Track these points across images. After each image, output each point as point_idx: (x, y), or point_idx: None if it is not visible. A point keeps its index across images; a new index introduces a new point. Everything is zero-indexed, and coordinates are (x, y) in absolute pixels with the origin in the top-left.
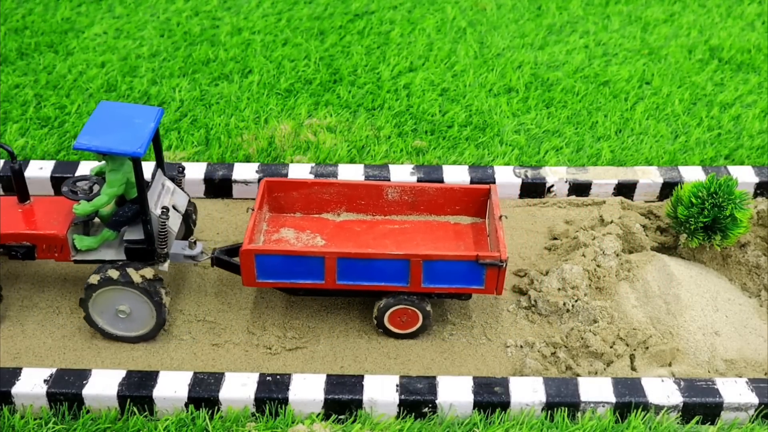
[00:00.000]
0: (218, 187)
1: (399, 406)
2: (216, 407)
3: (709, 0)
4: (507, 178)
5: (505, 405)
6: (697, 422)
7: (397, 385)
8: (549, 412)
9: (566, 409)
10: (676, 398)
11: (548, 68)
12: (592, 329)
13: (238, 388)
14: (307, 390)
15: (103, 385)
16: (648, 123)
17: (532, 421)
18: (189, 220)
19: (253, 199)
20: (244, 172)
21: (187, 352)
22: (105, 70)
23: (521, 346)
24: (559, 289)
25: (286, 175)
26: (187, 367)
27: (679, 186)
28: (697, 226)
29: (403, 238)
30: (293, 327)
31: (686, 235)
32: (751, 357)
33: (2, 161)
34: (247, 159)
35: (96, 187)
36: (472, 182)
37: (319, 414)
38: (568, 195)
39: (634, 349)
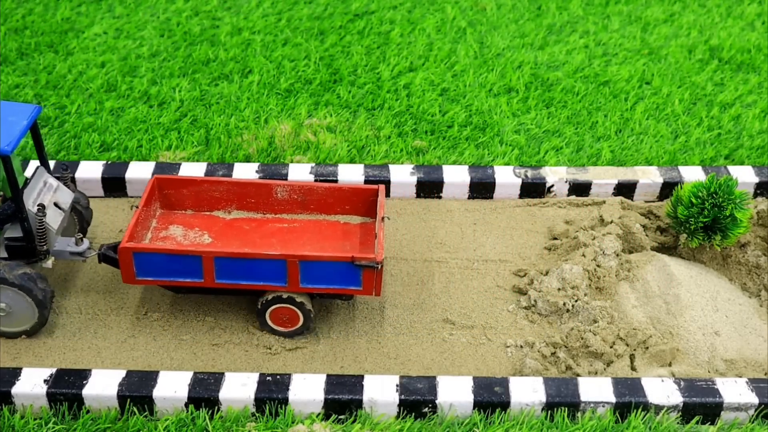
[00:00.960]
0: None
1: (399, 406)
2: (216, 407)
3: (709, 0)
4: (507, 178)
5: (505, 405)
6: (697, 422)
7: (397, 385)
8: (549, 412)
9: (566, 409)
10: (676, 398)
11: (548, 68)
12: (592, 329)
13: (238, 388)
14: (307, 390)
15: (103, 385)
16: (648, 123)
17: (532, 421)
18: (80, 217)
19: None
20: (244, 172)
21: (187, 352)
22: (105, 70)
23: (521, 346)
24: (559, 289)
25: (286, 176)
26: (187, 367)
27: (679, 186)
28: (697, 226)
29: (290, 238)
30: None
31: (686, 235)
32: (751, 357)
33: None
34: (247, 159)
35: None
36: (472, 182)
37: (319, 414)
38: (568, 195)
39: (634, 349)
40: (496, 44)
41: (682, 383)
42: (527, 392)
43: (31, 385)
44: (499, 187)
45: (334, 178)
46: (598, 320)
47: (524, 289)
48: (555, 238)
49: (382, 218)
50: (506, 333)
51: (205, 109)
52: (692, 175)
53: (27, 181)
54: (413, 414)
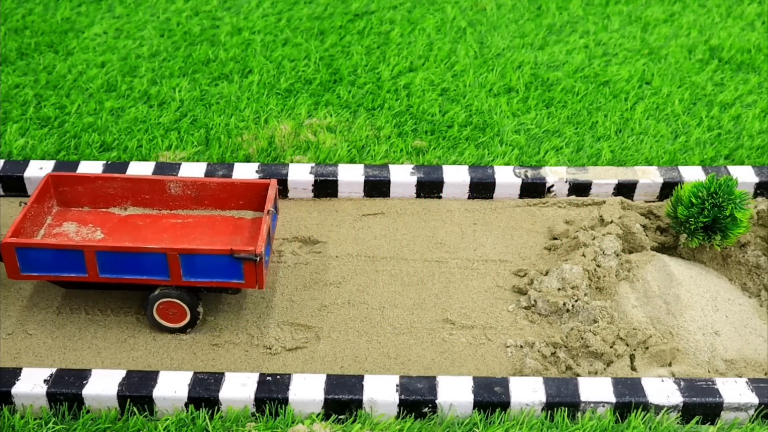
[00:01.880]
0: None
1: (399, 406)
2: (216, 407)
3: (709, 0)
4: (507, 178)
5: (505, 405)
6: (697, 422)
7: (397, 385)
8: (549, 412)
9: (566, 409)
10: (676, 398)
11: (548, 68)
12: (592, 329)
13: (238, 388)
14: (307, 390)
15: (103, 385)
16: (648, 123)
17: (532, 421)
18: None
19: None
20: (244, 172)
21: (187, 352)
22: (105, 70)
23: (521, 346)
24: (559, 289)
25: (286, 176)
26: (187, 367)
27: (679, 186)
28: (697, 226)
29: (183, 233)
30: (293, 327)
31: (686, 235)
32: (751, 357)
33: (2, 161)
34: (247, 159)
35: None
36: (472, 182)
37: (319, 414)
38: (568, 195)
39: (634, 349)
40: (496, 44)
41: (682, 383)
42: (527, 392)
43: (31, 385)
44: (499, 187)
45: (334, 178)
46: (598, 320)
47: (524, 289)
48: (555, 238)
49: (268, 211)
50: (506, 333)
51: (205, 109)
52: (692, 175)
53: None
54: (413, 414)
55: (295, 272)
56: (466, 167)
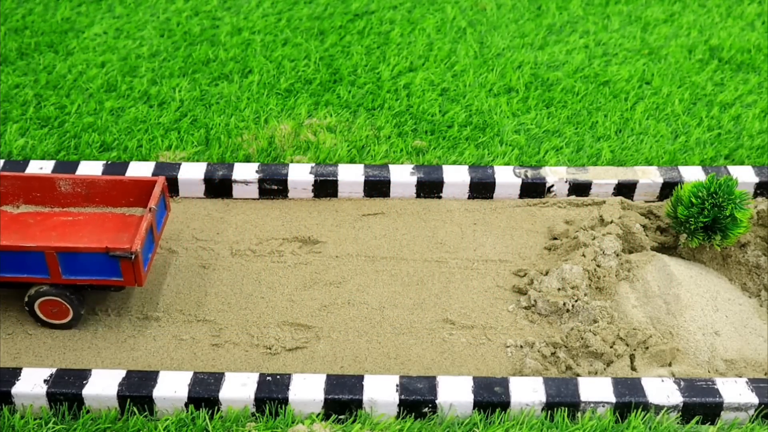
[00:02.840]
0: (218, 187)
1: (399, 406)
2: (216, 407)
3: (709, 0)
4: (507, 178)
5: (505, 405)
6: (697, 422)
7: (397, 385)
8: (549, 412)
9: (566, 409)
10: (676, 398)
11: (548, 68)
12: (592, 329)
13: (238, 388)
14: (307, 390)
15: (103, 385)
16: (648, 123)
17: (532, 421)
18: None
19: (254, 199)
20: (244, 172)
21: (187, 352)
22: (105, 70)
23: (521, 346)
24: (559, 289)
25: (286, 175)
26: (187, 367)
27: (679, 186)
28: (697, 226)
29: (71, 231)
30: (293, 327)
31: (686, 235)
32: (751, 357)
33: (2, 161)
34: (247, 159)
35: None
36: (472, 182)
37: (319, 414)
38: (568, 195)
39: (634, 349)
40: (496, 44)
41: (682, 383)
42: (527, 392)
43: (31, 385)
44: (499, 187)
45: (334, 178)
46: (598, 320)
47: (524, 289)
48: (555, 238)
49: (150, 209)
50: (506, 333)
51: (205, 109)
52: (692, 175)
53: None
54: (413, 414)
55: (295, 272)
56: (466, 167)
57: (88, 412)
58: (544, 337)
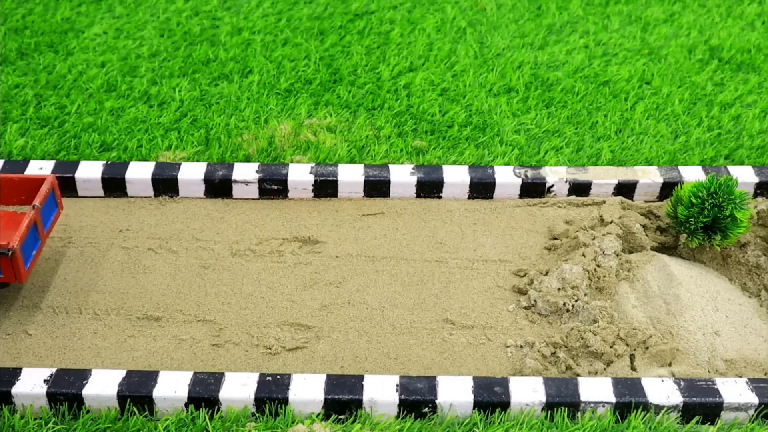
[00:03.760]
0: (218, 187)
1: (399, 406)
2: (216, 407)
3: (709, 0)
4: (507, 178)
5: (505, 405)
6: (697, 422)
7: (397, 385)
8: (549, 412)
9: (566, 409)
10: (676, 398)
11: (548, 68)
12: (592, 329)
13: (238, 388)
14: (307, 390)
15: (103, 385)
16: (648, 123)
17: (532, 421)
18: None
19: (254, 199)
20: (244, 172)
21: (187, 352)
22: (105, 70)
23: (521, 346)
24: (559, 289)
25: (286, 175)
26: (187, 367)
27: (679, 186)
28: (697, 226)
29: None
30: (293, 327)
31: (686, 235)
32: (751, 357)
33: (2, 161)
34: (247, 159)
35: None
36: (472, 182)
37: (319, 414)
38: (568, 195)
39: (634, 349)
40: (496, 44)
41: (682, 383)
42: (527, 392)
43: (31, 385)
44: (499, 187)
45: (334, 178)
46: (598, 320)
47: (524, 289)
48: (555, 238)
49: (33, 206)
50: (506, 333)
51: (205, 109)
52: (692, 175)
53: None
54: (413, 414)
55: (295, 272)
56: (466, 167)
57: (88, 412)
58: (544, 337)
